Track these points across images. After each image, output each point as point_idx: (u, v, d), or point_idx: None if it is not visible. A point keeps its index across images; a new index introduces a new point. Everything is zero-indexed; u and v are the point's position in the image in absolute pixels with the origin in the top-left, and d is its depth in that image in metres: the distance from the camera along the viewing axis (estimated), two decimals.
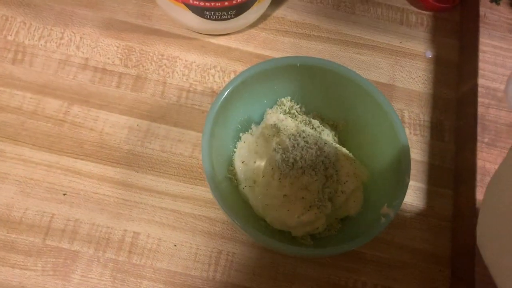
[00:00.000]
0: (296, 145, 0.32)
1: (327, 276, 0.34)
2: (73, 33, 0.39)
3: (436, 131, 0.40)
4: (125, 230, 0.34)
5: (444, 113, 0.40)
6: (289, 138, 0.32)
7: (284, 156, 0.32)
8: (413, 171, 0.38)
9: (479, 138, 0.36)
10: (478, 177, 0.35)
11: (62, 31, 0.39)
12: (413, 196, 0.37)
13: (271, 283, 0.34)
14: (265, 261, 0.34)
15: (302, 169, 0.31)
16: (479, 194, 0.35)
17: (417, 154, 0.39)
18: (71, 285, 0.32)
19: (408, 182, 0.31)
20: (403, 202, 0.36)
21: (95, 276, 0.32)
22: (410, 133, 0.39)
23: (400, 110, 0.40)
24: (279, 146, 0.32)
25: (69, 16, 0.40)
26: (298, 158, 0.31)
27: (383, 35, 0.43)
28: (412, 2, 0.44)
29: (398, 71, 0.42)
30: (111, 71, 0.38)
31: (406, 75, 0.41)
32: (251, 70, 0.33)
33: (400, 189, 0.31)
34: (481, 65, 0.39)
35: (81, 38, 0.39)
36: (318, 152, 0.32)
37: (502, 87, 0.38)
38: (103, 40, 0.39)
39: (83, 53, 0.38)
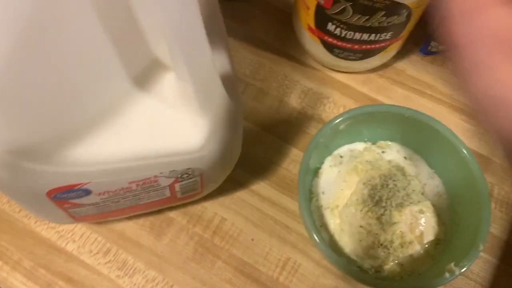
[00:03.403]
0: (385, 185, 0.35)
1: None
2: None
3: None
4: (216, 213, 0.38)
5: None
6: (380, 177, 0.35)
7: (371, 192, 0.35)
8: (488, 244, 0.39)
9: None
10: None
11: None
12: (482, 267, 0.38)
13: None
14: (325, 280, 0.37)
15: (384, 208, 0.34)
16: None
17: (497, 229, 0.40)
18: (160, 244, 0.37)
19: (482, 250, 0.33)
20: (471, 269, 0.38)
21: (181, 243, 0.37)
22: (495, 208, 0.40)
23: (490, 184, 0.41)
24: (369, 182, 0.35)
25: None
26: (384, 197, 0.34)
27: None
28: None
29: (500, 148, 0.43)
30: (240, 79, 0.44)
31: None
32: (361, 109, 0.37)
33: (473, 253, 0.32)
34: None
35: None
36: (405, 198, 0.35)
37: None
38: (241, 51, 0.45)
39: None
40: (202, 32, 0.21)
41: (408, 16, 0.37)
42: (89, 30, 0.21)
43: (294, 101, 0.43)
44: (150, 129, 0.26)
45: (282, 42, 0.46)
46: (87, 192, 0.27)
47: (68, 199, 0.28)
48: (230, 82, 0.29)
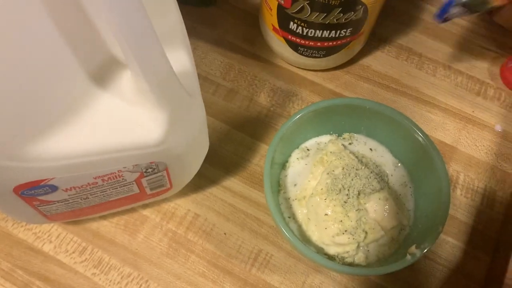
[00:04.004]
0: (347, 174, 0.36)
1: None
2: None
3: (487, 199, 0.42)
4: (189, 210, 0.40)
5: (500, 185, 0.42)
6: (343, 167, 0.37)
7: (334, 181, 0.36)
8: (455, 230, 0.40)
9: None
10: None
11: None
12: (450, 252, 0.39)
13: None
14: (297, 269, 0.38)
15: (347, 196, 0.35)
16: None
17: (463, 215, 0.41)
18: (135, 241, 0.38)
19: (441, 231, 0.34)
20: (439, 254, 0.39)
21: (155, 240, 0.39)
22: (461, 194, 0.42)
23: (456, 171, 0.43)
24: (333, 172, 0.37)
25: (189, 29, 0.48)
26: (346, 186, 0.36)
27: (458, 101, 0.46)
28: (493, 78, 0.47)
29: (464, 136, 0.44)
30: (211, 80, 0.45)
31: (471, 141, 0.44)
32: (322, 103, 0.38)
33: (432, 235, 0.34)
34: None
35: (194, 48, 0.47)
36: (366, 186, 0.36)
37: None
38: (212, 54, 0.47)
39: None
40: (150, 30, 0.22)
41: (365, 12, 0.38)
42: (42, 31, 0.23)
43: (264, 99, 0.45)
44: (110, 124, 0.27)
45: (251, 44, 0.47)
46: (54, 188, 0.29)
47: (35, 195, 0.29)
48: (189, 78, 0.30)
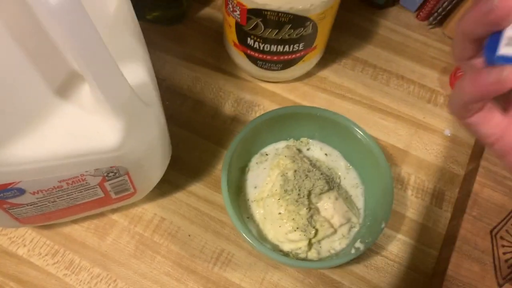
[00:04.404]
0: (299, 176, 0.39)
1: None
2: (158, 58, 0.50)
3: (437, 199, 0.45)
4: (155, 214, 0.42)
5: (448, 185, 0.45)
6: (295, 170, 0.40)
7: (287, 182, 0.39)
8: (406, 228, 0.43)
9: (468, 210, 0.41)
10: (458, 243, 0.40)
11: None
12: (400, 248, 0.42)
13: (257, 286, 0.40)
14: (256, 267, 0.41)
15: (298, 196, 0.38)
16: (454, 258, 0.39)
17: (414, 214, 0.44)
18: (104, 244, 0.41)
19: (384, 228, 0.37)
20: (390, 251, 0.42)
21: (123, 242, 0.41)
22: (412, 194, 0.45)
23: (407, 173, 0.46)
24: (286, 174, 0.39)
25: (153, 43, 0.51)
26: (297, 187, 0.39)
27: (409, 108, 0.49)
28: (443, 86, 0.51)
29: (415, 141, 0.47)
30: (179, 92, 0.49)
31: (422, 145, 0.47)
32: (276, 111, 0.41)
33: (376, 231, 0.37)
34: (487, 149, 0.44)
35: (163, 63, 0.50)
36: (316, 186, 0.39)
37: (503, 172, 0.43)
38: (180, 68, 0.50)
39: (162, 75, 0.49)
40: (103, 48, 0.25)
41: (314, 28, 0.42)
42: (5, 50, 0.26)
43: (228, 110, 0.48)
44: (71, 131, 0.30)
45: (216, 59, 0.51)
46: (21, 191, 0.31)
47: (5, 198, 0.31)
48: (147, 90, 0.34)
